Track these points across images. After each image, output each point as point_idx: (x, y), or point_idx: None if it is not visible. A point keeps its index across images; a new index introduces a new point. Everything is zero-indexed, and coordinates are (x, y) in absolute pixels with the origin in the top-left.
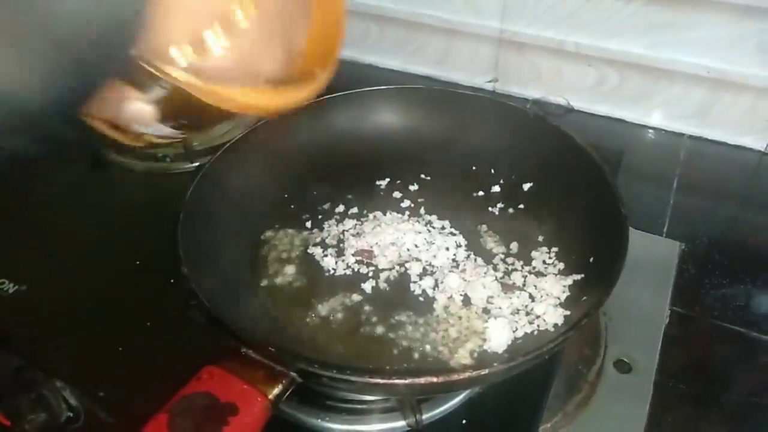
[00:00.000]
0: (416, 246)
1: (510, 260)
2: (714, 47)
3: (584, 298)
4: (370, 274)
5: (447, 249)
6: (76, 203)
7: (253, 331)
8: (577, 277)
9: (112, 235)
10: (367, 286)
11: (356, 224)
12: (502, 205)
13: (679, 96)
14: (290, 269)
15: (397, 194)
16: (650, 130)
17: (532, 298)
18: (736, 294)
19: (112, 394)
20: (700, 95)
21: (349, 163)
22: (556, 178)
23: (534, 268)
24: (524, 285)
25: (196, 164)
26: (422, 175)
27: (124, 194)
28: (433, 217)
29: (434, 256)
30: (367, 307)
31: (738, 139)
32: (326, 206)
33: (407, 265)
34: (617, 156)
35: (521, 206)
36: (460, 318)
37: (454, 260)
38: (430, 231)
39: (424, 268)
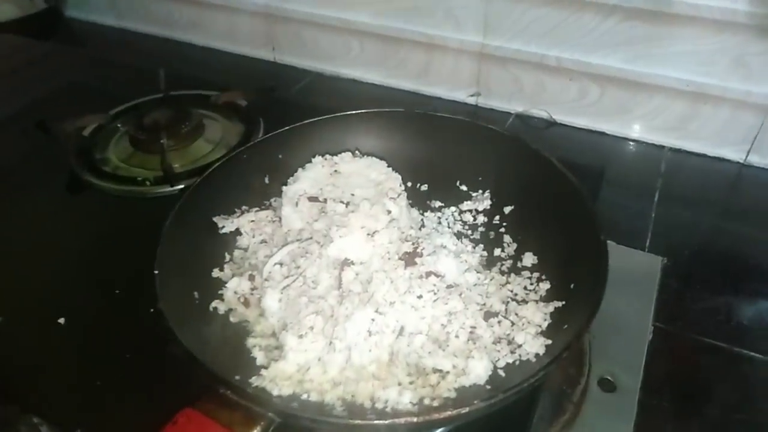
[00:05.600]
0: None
1: (491, 287)
2: (692, 61)
3: (565, 326)
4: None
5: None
6: (53, 229)
7: (231, 370)
8: (558, 304)
9: (91, 263)
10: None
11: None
12: (483, 229)
13: (658, 109)
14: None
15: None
16: (631, 143)
17: (513, 326)
18: (718, 308)
19: (89, 429)
20: (680, 108)
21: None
22: (537, 202)
23: (515, 294)
24: (506, 312)
25: (179, 187)
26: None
27: (103, 219)
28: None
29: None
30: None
31: (717, 151)
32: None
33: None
34: (599, 171)
35: (502, 230)
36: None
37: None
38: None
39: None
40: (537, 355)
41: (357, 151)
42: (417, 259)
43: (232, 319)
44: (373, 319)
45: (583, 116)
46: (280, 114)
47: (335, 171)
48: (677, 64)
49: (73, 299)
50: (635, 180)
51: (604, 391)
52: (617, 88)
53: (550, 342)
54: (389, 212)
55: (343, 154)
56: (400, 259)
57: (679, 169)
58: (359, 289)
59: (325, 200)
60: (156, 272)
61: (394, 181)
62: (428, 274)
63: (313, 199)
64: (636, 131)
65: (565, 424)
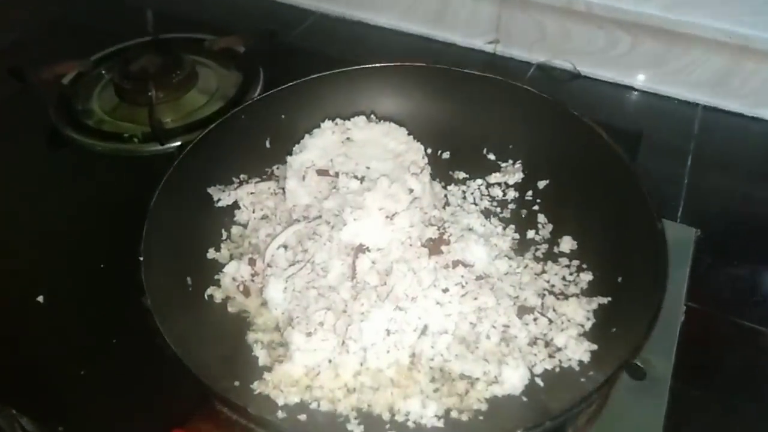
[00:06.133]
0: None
1: (525, 276)
2: (737, 10)
3: (614, 329)
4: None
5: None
6: (30, 191)
7: (230, 373)
8: (603, 300)
9: (72, 232)
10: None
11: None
12: (514, 206)
13: (696, 62)
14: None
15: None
16: (663, 99)
17: (551, 324)
18: (756, 286)
19: (71, 429)
20: (719, 62)
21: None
22: (577, 177)
23: (552, 286)
24: (542, 308)
25: (173, 145)
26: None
27: (86, 180)
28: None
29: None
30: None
31: (756, 111)
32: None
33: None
34: (633, 134)
35: (535, 207)
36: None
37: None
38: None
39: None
40: (581, 362)
41: (372, 115)
42: (443, 247)
43: (230, 308)
44: (391, 317)
45: (612, 69)
46: (282, 62)
47: (348, 139)
48: (720, 13)
49: (54, 274)
50: (667, 142)
51: (633, 379)
52: (651, 39)
53: (595, 347)
54: (411, 191)
55: (356, 118)
56: (423, 246)
57: (714, 130)
58: (376, 281)
59: (337, 174)
60: (141, 258)
61: (416, 152)
62: (455, 263)
63: (322, 172)
64: (669, 86)
65: (591, 415)
